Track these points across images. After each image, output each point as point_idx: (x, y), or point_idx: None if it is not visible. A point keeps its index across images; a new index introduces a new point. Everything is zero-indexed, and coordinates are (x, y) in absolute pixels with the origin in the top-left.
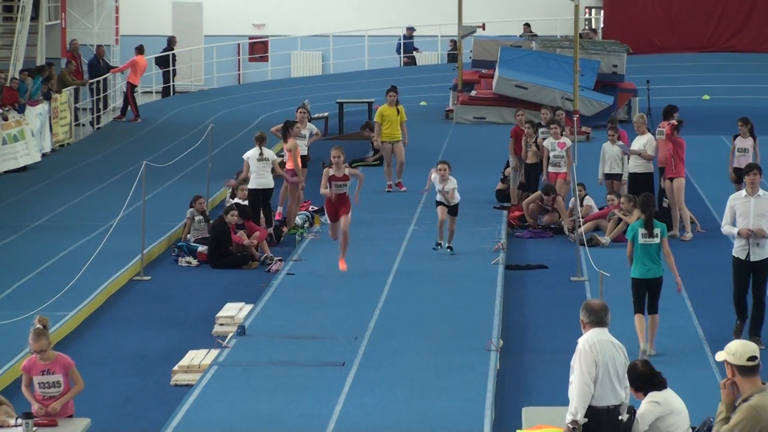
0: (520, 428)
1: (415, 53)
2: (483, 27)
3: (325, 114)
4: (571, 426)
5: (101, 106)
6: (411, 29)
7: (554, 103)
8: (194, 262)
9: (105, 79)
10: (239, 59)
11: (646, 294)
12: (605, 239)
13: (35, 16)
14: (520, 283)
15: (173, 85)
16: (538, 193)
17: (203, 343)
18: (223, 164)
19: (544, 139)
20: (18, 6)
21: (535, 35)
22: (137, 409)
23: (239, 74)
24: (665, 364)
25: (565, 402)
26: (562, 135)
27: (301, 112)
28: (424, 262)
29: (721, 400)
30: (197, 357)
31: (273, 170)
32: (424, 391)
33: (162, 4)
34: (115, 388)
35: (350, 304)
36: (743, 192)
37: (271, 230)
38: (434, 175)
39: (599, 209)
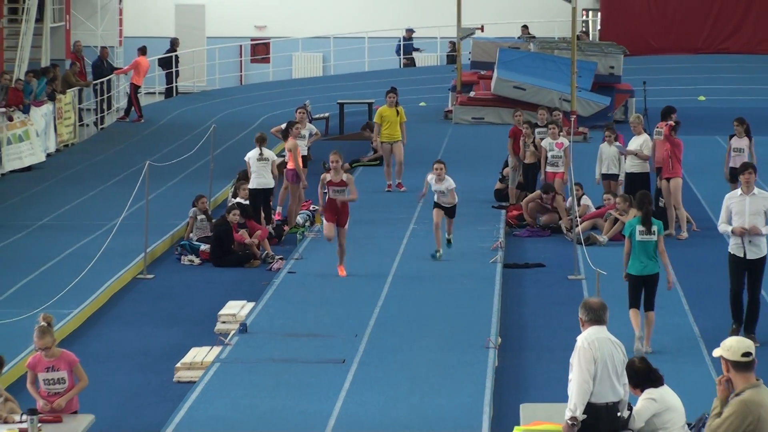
0: (518, 425)
1: (415, 54)
2: (482, 29)
3: (326, 114)
4: (570, 422)
5: (105, 106)
6: (410, 31)
7: (552, 103)
8: (197, 261)
9: (109, 80)
10: (241, 60)
11: (642, 290)
12: (603, 238)
13: (40, 18)
14: (518, 281)
15: (176, 86)
16: (538, 192)
17: (206, 340)
18: (225, 164)
19: (542, 139)
20: (23, 8)
21: (533, 37)
22: (141, 406)
23: (241, 75)
24: (661, 361)
25: (562, 399)
26: (559, 135)
27: (300, 113)
28: (424, 260)
29: (717, 396)
30: (200, 354)
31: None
32: (424, 387)
33: (165, 6)
34: (118, 385)
35: (350, 302)
36: (739, 191)
37: (270, 229)
38: (430, 176)
39: (596, 209)
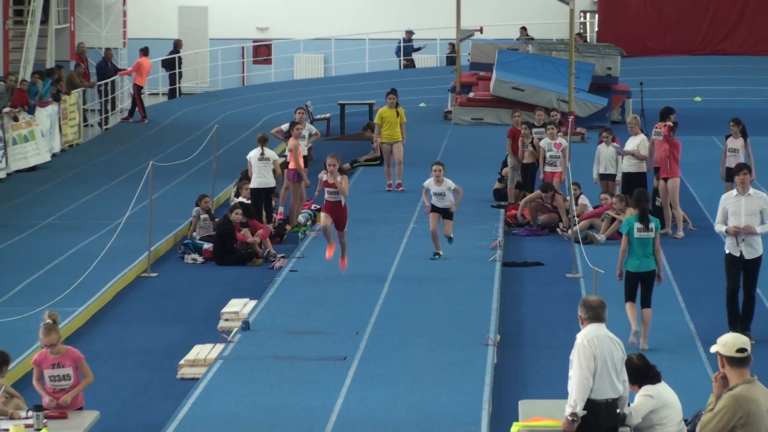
0: (517, 421)
1: (415, 54)
2: (481, 31)
3: (328, 115)
4: (570, 418)
5: (109, 107)
6: (410, 33)
7: (550, 104)
8: (200, 259)
9: (113, 81)
10: (243, 62)
11: (639, 286)
12: (600, 237)
13: (45, 20)
14: (516, 279)
15: (179, 87)
16: (538, 192)
17: (209, 337)
18: (228, 164)
19: (540, 139)
20: (28, 10)
21: (532, 38)
22: (145, 402)
23: (243, 76)
24: (658, 358)
25: (560, 395)
26: (558, 136)
27: (300, 113)
28: (424, 259)
29: (713, 392)
30: (203, 351)
31: (274, 171)
32: (424, 384)
33: (168, 8)
34: (123, 382)
35: (351, 300)
36: (734, 192)
37: (272, 228)
38: (428, 182)
39: (594, 208)
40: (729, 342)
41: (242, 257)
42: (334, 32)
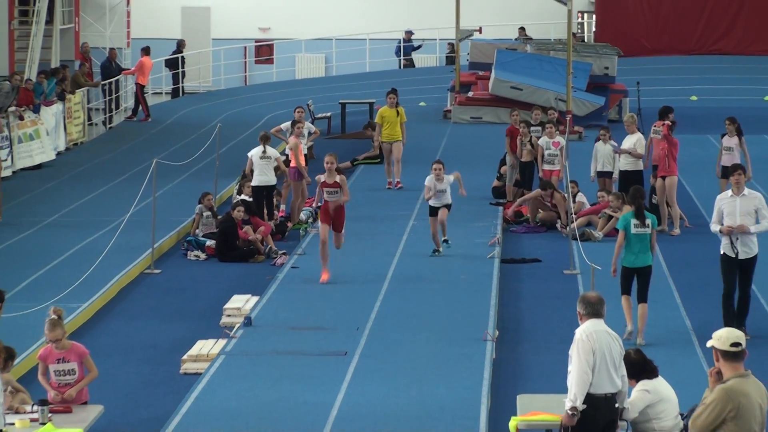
0: (515, 415)
1: (414, 54)
2: (480, 31)
3: (328, 114)
4: (570, 412)
5: (113, 106)
6: (409, 33)
7: (548, 103)
8: (202, 256)
9: (117, 81)
10: (245, 61)
11: (635, 281)
12: (598, 233)
13: (50, 20)
14: (515, 276)
15: (182, 86)
16: (538, 191)
17: (211, 333)
18: (230, 162)
19: (538, 138)
20: (33, 10)
21: (530, 38)
22: (148, 397)
23: (245, 76)
24: (654, 353)
25: (558, 390)
26: (556, 134)
27: (299, 112)
28: (423, 256)
29: (708, 387)
30: (205, 347)
31: (277, 168)
32: (423, 379)
33: (171, 8)
34: (126, 377)
35: (352, 296)
36: (729, 192)
37: (273, 225)
38: (429, 179)
39: (591, 205)
40: (724, 336)
41: (244, 254)
42: (335, 32)
